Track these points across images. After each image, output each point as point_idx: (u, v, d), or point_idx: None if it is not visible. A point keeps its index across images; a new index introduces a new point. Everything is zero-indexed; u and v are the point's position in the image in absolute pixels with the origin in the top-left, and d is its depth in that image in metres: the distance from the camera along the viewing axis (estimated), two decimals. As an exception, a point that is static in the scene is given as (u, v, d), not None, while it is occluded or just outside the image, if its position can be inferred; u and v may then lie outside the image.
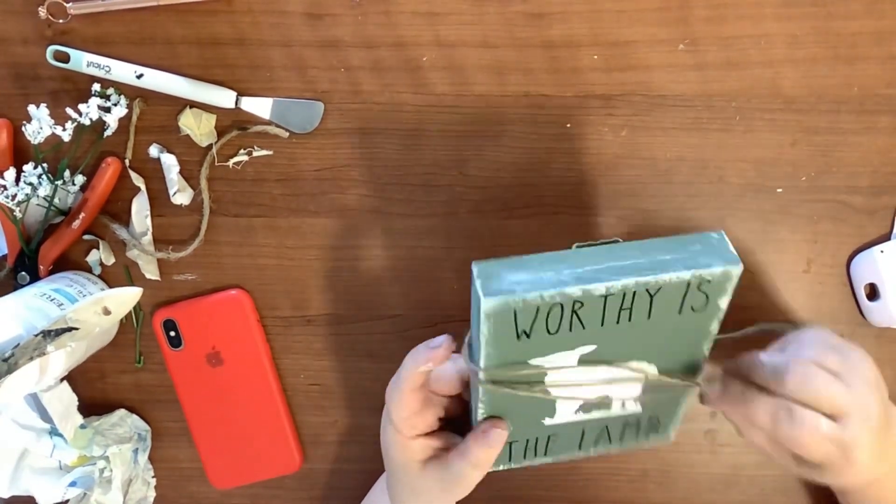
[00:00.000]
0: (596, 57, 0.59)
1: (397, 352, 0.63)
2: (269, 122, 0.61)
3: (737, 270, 0.40)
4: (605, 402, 0.47)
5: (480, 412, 0.46)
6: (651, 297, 0.41)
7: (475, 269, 0.41)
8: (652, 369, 0.45)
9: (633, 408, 0.48)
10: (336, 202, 0.62)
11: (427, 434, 0.49)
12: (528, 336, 0.41)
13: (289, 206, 0.62)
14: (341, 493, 0.65)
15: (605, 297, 0.40)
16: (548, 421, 0.48)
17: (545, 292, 0.39)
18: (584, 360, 0.44)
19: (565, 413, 0.47)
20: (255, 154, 0.61)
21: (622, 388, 0.46)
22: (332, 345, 0.64)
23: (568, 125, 0.60)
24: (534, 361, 0.43)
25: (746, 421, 0.47)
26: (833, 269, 0.61)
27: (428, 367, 0.46)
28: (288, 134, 0.61)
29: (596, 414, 0.48)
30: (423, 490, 0.49)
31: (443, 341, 0.46)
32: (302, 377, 0.64)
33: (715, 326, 0.44)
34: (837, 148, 0.59)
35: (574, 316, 0.41)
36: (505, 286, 0.40)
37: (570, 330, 0.41)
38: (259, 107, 0.61)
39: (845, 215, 0.60)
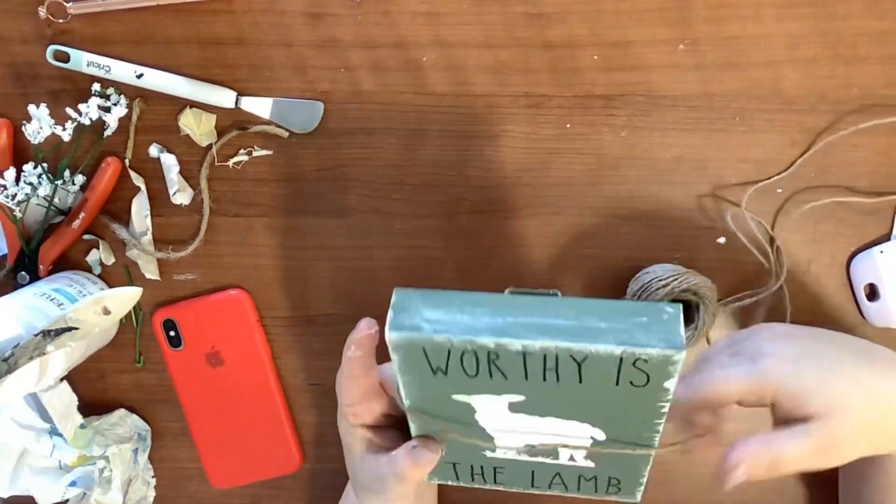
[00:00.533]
0: (596, 57, 0.59)
1: (397, 352, 0.63)
2: (269, 122, 0.61)
3: (678, 356, 0.36)
4: (549, 451, 0.45)
5: (414, 430, 0.45)
6: (578, 363, 0.37)
7: (395, 296, 0.39)
8: (596, 432, 0.42)
9: (584, 463, 0.45)
10: (336, 202, 0.62)
11: (371, 427, 0.48)
12: (444, 373, 0.39)
13: (289, 206, 0.62)
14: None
15: (523, 354, 0.37)
16: (489, 454, 0.46)
17: (455, 337, 0.37)
18: (516, 408, 0.41)
19: (506, 451, 0.45)
20: (255, 154, 0.61)
21: (565, 441, 0.44)
22: (332, 345, 0.64)
23: (568, 125, 0.60)
24: (458, 397, 0.41)
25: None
26: (833, 269, 0.61)
27: (355, 353, 0.45)
28: (288, 134, 0.61)
29: (542, 459, 0.45)
30: (359, 479, 0.49)
31: (363, 325, 0.45)
32: (302, 377, 0.64)
33: (663, 407, 0.40)
34: (837, 148, 0.59)
35: (492, 364, 0.38)
36: (415, 322, 0.38)
37: (491, 377, 0.39)
38: (259, 107, 0.61)
39: (845, 215, 0.60)
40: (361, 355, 0.46)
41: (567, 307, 0.38)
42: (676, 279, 0.56)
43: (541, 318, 0.37)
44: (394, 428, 0.48)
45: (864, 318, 0.61)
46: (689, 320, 0.57)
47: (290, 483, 0.65)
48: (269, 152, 0.62)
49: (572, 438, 0.43)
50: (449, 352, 0.38)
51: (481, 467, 0.47)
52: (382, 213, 0.62)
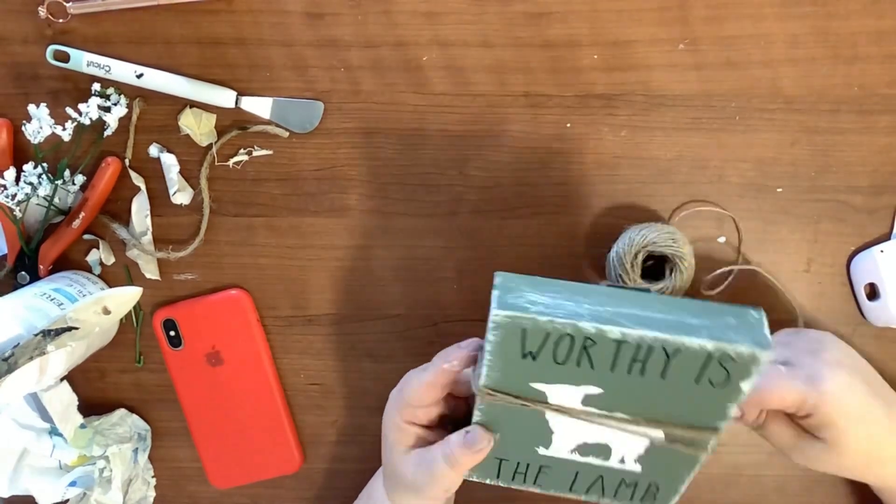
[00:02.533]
0: (596, 57, 0.59)
1: (397, 352, 0.63)
2: (269, 122, 0.61)
3: (766, 356, 0.38)
4: (603, 450, 0.46)
5: (475, 418, 0.46)
6: (668, 357, 0.39)
7: (498, 278, 0.41)
8: (657, 433, 0.43)
9: (632, 466, 0.46)
10: (336, 202, 0.62)
11: (423, 426, 0.50)
12: (533, 358, 0.41)
13: (289, 206, 0.62)
14: (341, 493, 0.65)
15: (619, 342, 0.39)
16: (541, 451, 0.47)
17: (558, 319, 0.39)
18: (589, 402, 0.43)
19: (560, 448, 0.46)
20: (255, 154, 0.61)
21: (623, 441, 0.45)
22: (332, 345, 0.64)
23: (568, 125, 0.60)
24: (536, 385, 0.42)
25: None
26: (833, 268, 0.61)
27: (453, 367, 0.47)
28: (288, 134, 0.61)
29: (592, 460, 0.46)
30: (400, 475, 0.50)
31: (471, 343, 0.47)
32: (302, 377, 0.64)
33: (731, 408, 0.41)
34: (837, 147, 0.59)
35: (584, 352, 0.40)
36: (521, 303, 0.39)
37: (578, 365, 0.41)
38: (259, 106, 0.61)
39: (845, 215, 0.60)
40: (457, 369, 0.47)
41: (661, 303, 0.40)
42: (657, 235, 0.55)
43: (638, 310, 0.39)
44: (442, 429, 0.50)
45: (864, 317, 0.61)
46: (661, 278, 0.57)
47: (290, 483, 0.65)
48: (269, 152, 0.62)
49: (632, 437, 0.44)
50: (547, 335, 0.39)
51: (527, 465, 0.48)
52: (382, 212, 0.62)
